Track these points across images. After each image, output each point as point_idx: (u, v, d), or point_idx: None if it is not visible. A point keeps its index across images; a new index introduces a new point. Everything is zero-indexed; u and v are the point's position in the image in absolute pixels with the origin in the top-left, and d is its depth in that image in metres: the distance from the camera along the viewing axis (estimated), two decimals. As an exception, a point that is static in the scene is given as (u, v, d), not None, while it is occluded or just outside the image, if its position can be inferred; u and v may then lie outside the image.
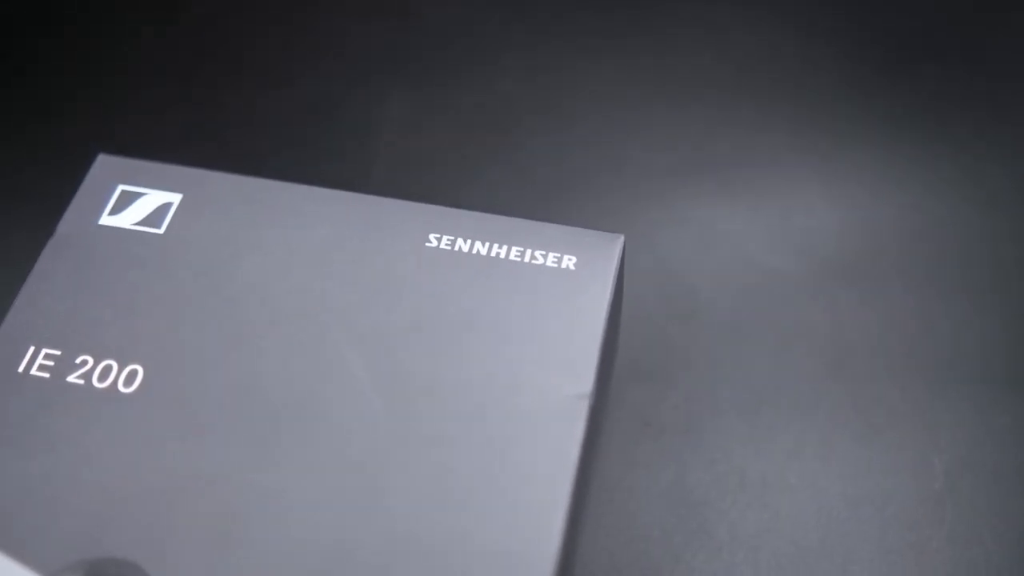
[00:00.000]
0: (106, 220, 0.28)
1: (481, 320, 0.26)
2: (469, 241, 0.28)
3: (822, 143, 0.39)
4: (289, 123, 0.40)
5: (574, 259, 0.27)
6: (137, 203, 0.29)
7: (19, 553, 0.23)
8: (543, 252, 0.27)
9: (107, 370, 0.26)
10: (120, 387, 0.25)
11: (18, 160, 0.39)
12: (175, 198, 0.29)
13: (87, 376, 0.26)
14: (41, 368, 0.26)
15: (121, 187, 0.29)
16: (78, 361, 0.26)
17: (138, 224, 0.28)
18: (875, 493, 0.31)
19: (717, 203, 0.38)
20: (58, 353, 0.26)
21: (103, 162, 0.30)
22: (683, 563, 0.30)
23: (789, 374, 0.34)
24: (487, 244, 0.28)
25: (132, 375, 0.26)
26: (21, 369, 0.26)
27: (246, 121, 0.40)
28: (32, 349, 0.26)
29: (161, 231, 0.28)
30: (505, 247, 0.27)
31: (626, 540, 0.31)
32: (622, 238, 0.28)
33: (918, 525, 0.31)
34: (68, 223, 0.28)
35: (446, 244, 0.28)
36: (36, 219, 0.37)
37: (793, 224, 0.37)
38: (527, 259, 0.27)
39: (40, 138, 0.39)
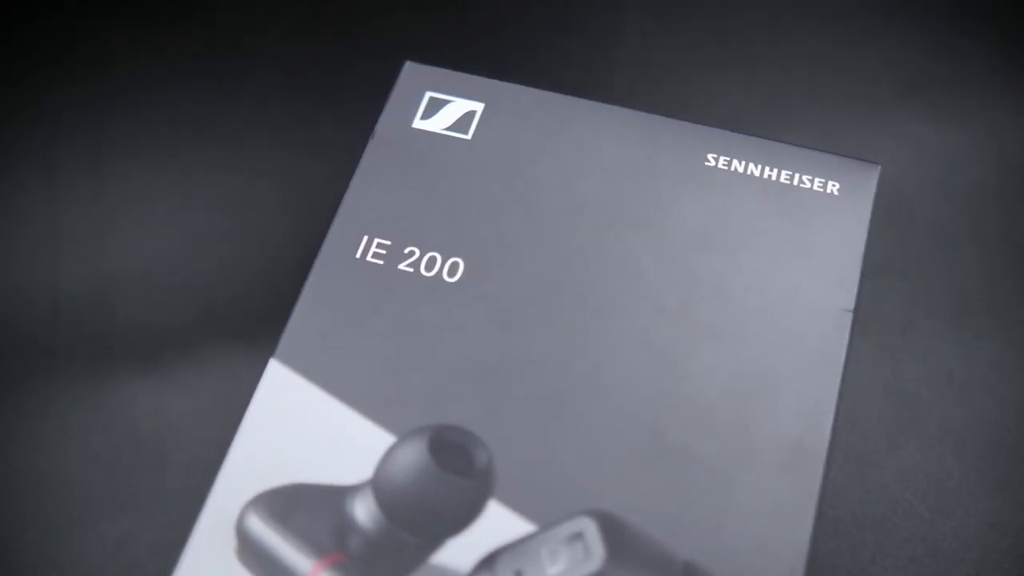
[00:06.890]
0: (419, 124, 0.32)
1: (756, 235, 0.30)
2: (744, 162, 0.31)
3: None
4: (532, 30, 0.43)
5: (837, 185, 0.31)
6: (445, 109, 0.32)
7: (375, 414, 0.28)
8: (810, 177, 0.31)
9: (432, 261, 0.30)
10: (445, 277, 0.30)
11: (329, 63, 0.43)
12: (478, 107, 0.32)
13: (415, 265, 0.30)
14: (375, 256, 0.30)
15: (429, 94, 0.33)
16: (406, 251, 0.30)
17: (448, 129, 0.32)
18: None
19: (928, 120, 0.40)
20: (388, 243, 0.30)
21: (410, 69, 0.33)
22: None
23: (997, 283, 0.37)
24: (760, 166, 0.31)
25: (454, 267, 0.30)
26: (358, 255, 0.30)
27: (493, 29, 0.43)
28: (366, 238, 0.30)
29: (468, 137, 0.32)
30: (776, 170, 0.31)
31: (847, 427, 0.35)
32: (879, 168, 0.31)
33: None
34: (385, 125, 0.32)
35: (723, 164, 0.31)
36: (343, 118, 0.41)
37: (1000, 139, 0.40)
38: (795, 183, 0.31)
39: (343, 42, 0.43)
